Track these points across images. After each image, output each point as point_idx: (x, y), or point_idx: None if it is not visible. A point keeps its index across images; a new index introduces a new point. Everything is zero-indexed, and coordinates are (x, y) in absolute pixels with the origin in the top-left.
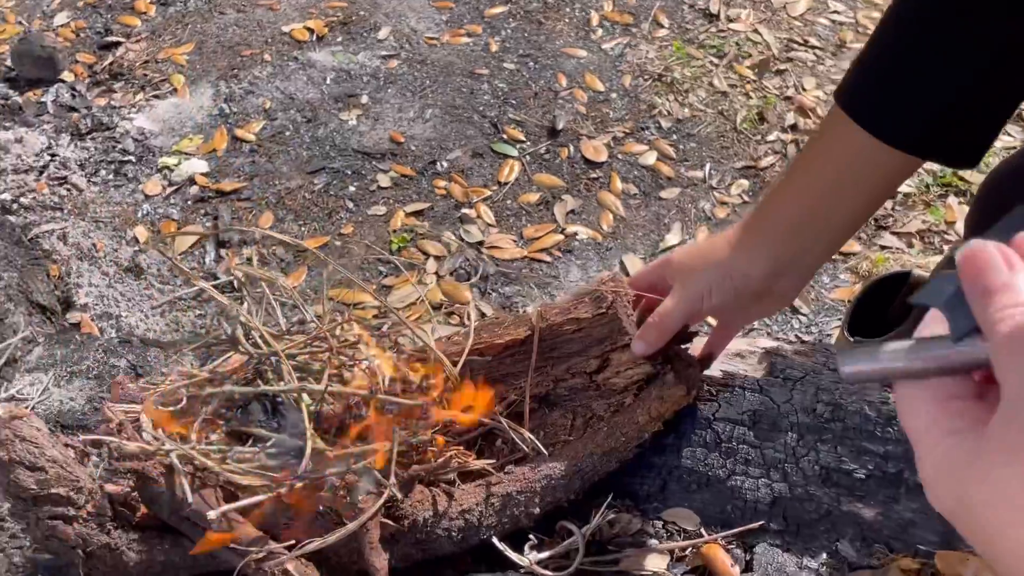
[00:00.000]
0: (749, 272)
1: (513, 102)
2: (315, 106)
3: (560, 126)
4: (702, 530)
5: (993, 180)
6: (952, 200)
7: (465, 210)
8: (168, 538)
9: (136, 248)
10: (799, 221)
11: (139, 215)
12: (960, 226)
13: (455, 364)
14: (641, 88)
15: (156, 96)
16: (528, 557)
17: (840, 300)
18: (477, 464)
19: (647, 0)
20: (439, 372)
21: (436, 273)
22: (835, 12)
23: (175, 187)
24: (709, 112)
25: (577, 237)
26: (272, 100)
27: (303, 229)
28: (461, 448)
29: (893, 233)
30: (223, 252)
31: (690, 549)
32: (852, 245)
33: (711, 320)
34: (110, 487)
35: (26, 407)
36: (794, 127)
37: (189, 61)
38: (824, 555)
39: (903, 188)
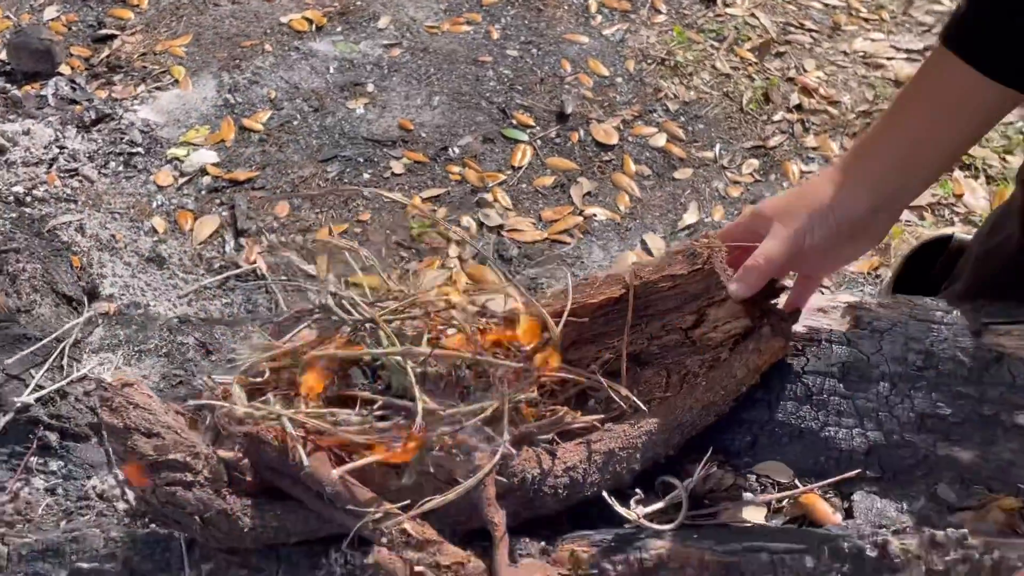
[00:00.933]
0: (853, 207)
1: (519, 88)
2: (321, 95)
3: (569, 110)
4: (796, 481)
5: None
6: (959, 174)
7: (482, 194)
8: (278, 504)
9: (156, 238)
10: (903, 156)
11: (154, 206)
12: (969, 198)
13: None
14: (646, 72)
15: (158, 88)
16: (636, 511)
17: (860, 273)
18: (584, 420)
19: None
20: (536, 332)
21: (459, 257)
22: None
23: (187, 177)
24: (715, 94)
25: (596, 218)
26: (277, 90)
27: (320, 217)
28: (561, 407)
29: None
30: (242, 241)
31: (787, 500)
32: None
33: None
34: (223, 452)
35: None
36: (799, 107)
37: (188, 53)
38: (923, 499)
39: None
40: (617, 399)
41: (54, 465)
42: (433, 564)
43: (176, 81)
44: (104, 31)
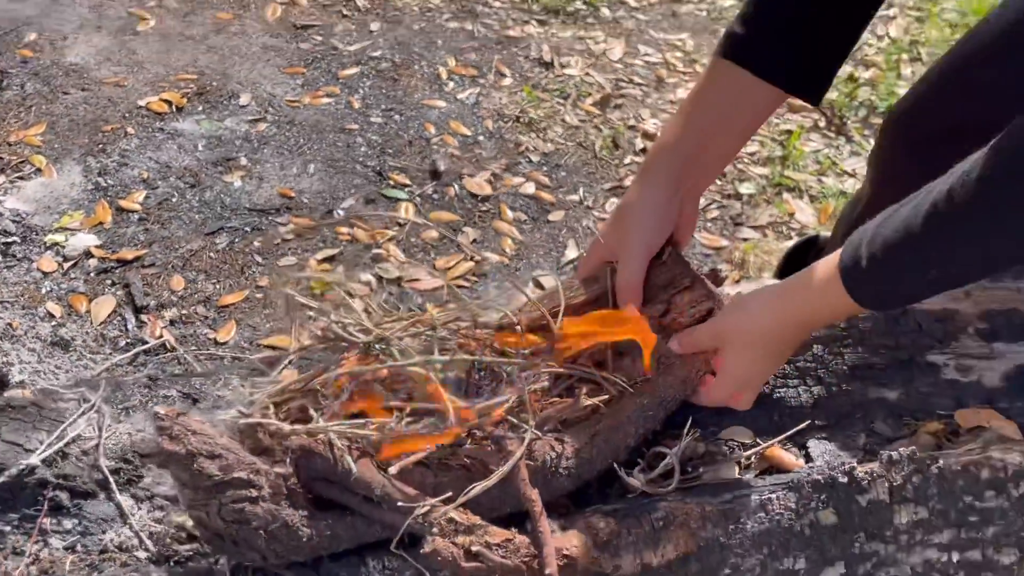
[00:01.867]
0: (657, 199)
1: (390, 151)
2: (195, 171)
3: (442, 168)
4: (758, 440)
5: (890, 119)
6: (787, 195)
7: (376, 250)
8: (328, 513)
9: (54, 323)
10: (695, 152)
11: (43, 292)
12: (800, 215)
13: (547, 325)
14: (504, 129)
15: (20, 177)
16: (639, 479)
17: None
18: (591, 402)
19: (485, 54)
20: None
21: (366, 310)
22: (646, 55)
23: (72, 262)
24: (569, 144)
25: (487, 261)
26: (148, 170)
27: (218, 287)
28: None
29: (749, 227)
30: (143, 317)
31: (755, 456)
32: (719, 240)
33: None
34: (278, 468)
35: (95, 444)
36: (643, 150)
37: (45, 141)
38: (864, 436)
39: (747, 190)
40: (606, 385)
41: (68, 524)
42: (484, 544)
43: (39, 170)
44: None
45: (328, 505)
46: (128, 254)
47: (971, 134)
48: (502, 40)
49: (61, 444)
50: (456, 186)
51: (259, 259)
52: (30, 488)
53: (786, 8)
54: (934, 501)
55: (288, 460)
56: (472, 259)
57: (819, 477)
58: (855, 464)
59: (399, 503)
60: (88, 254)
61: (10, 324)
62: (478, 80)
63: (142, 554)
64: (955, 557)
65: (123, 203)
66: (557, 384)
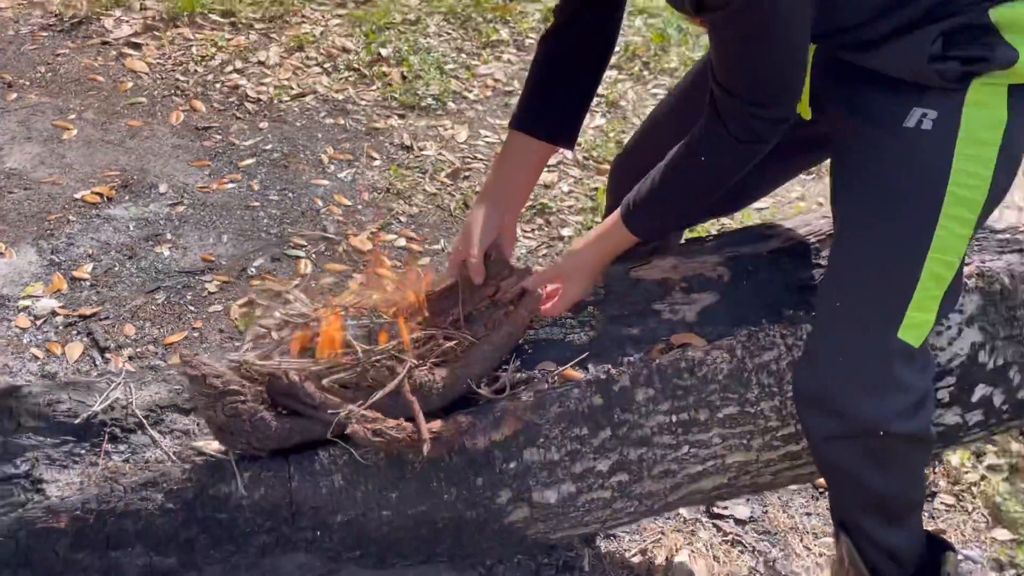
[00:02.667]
0: (485, 212)
1: (288, 221)
2: (130, 246)
3: (330, 231)
4: (559, 368)
5: (615, 162)
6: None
7: (285, 295)
8: (289, 417)
9: (39, 363)
10: (499, 195)
11: (25, 342)
12: None
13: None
14: (378, 199)
15: None
16: (487, 391)
17: None
18: (448, 344)
19: (357, 142)
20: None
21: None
22: (486, 137)
23: (42, 319)
24: (431, 207)
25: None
26: (92, 247)
27: (162, 330)
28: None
29: None
30: (107, 356)
31: (557, 376)
32: None
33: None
34: (256, 387)
35: (129, 401)
36: None
37: (0, 231)
38: (620, 357)
39: (567, 233)
40: (460, 338)
41: (121, 447)
42: (384, 427)
43: (0, 253)
44: None
45: (291, 413)
46: (87, 311)
47: None
48: (370, 131)
49: (109, 401)
50: (343, 244)
51: (192, 308)
52: (95, 427)
53: (537, 88)
54: (656, 384)
55: (261, 382)
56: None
57: (591, 378)
58: (610, 367)
59: (330, 409)
60: (54, 313)
61: (6, 365)
62: (353, 163)
63: (170, 463)
64: (672, 418)
65: (75, 273)
66: (429, 340)
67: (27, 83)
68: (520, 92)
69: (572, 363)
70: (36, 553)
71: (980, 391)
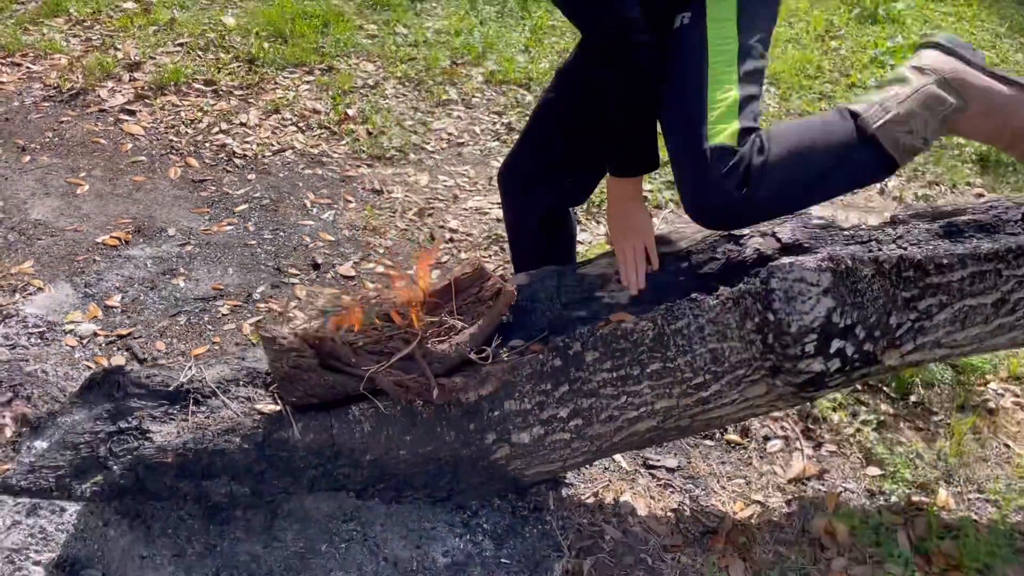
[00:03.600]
0: None
1: (282, 255)
2: (151, 280)
3: (320, 261)
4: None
5: (499, 174)
6: None
7: (289, 313)
8: (332, 373)
9: (93, 372)
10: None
11: (76, 356)
12: None
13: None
14: (357, 234)
15: (29, 295)
16: (476, 358)
17: None
18: (452, 321)
19: (334, 189)
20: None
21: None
22: (444, 181)
23: (86, 339)
24: (402, 240)
25: None
26: (119, 281)
27: (188, 345)
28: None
29: None
30: (146, 365)
31: (527, 345)
32: None
33: None
34: (311, 348)
35: (203, 376)
36: (451, 240)
37: (36, 270)
38: (579, 331)
39: None
40: (455, 322)
41: (202, 408)
42: (403, 378)
43: (40, 288)
44: None
45: (332, 370)
46: (122, 331)
47: (552, 173)
48: (344, 178)
49: (188, 376)
50: (332, 271)
51: (210, 327)
52: (182, 394)
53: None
54: (600, 349)
55: (314, 346)
56: None
57: (552, 346)
58: (566, 338)
59: (363, 367)
60: (95, 334)
61: (67, 373)
62: (333, 205)
63: (241, 417)
64: (613, 375)
65: (107, 302)
66: (435, 323)
67: (38, 147)
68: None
69: (537, 339)
70: (150, 482)
71: (835, 344)
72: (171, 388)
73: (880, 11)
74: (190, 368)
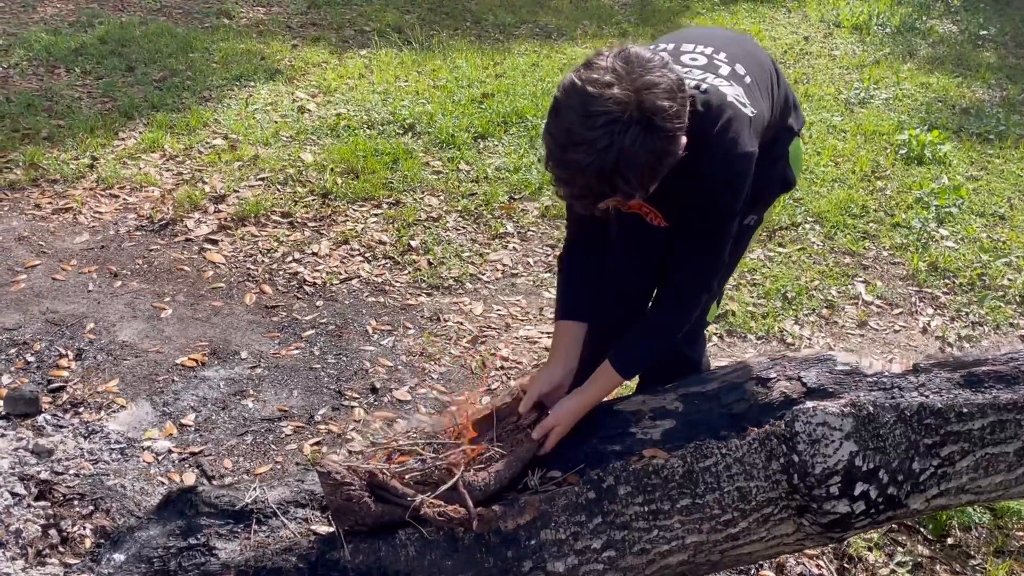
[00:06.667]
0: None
1: (344, 379)
2: (223, 400)
3: (378, 386)
4: (561, 474)
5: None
6: None
7: (347, 435)
8: (381, 503)
9: (164, 487)
10: (555, 360)
11: (152, 472)
12: None
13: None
14: (413, 360)
15: (112, 412)
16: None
17: None
18: (492, 450)
19: (395, 316)
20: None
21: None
22: (498, 310)
23: (162, 455)
24: (455, 367)
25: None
26: (193, 401)
27: (252, 463)
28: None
29: None
30: (214, 483)
31: (563, 477)
32: None
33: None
34: (361, 480)
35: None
36: (502, 367)
37: (120, 389)
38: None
39: None
40: (495, 452)
41: (263, 528)
42: (446, 509)
43: (123, 406)
44: (54, 384)
45: (381, 500)
46: (194, 449)
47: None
48: (405, 307)
49: (252, 497)
50: (390, 394)
51: (273, 447)
52: (246, 512)
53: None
54: (633, 483)
55: (364, 478)
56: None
57: (587, 479)
58: (600, 472)
59: (408, 498)
60: (169, 451)
61: (143, 488)
62: (393, 332)
63: (298, 537)
64: (645, 508)
65: (183, 421)
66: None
67: (128, 273)
68: (556, 295)
69: (573, 471)
70: None
71: (860, 487)
72: (237, 508)
73: (927, 152)
74: (255, 489)
